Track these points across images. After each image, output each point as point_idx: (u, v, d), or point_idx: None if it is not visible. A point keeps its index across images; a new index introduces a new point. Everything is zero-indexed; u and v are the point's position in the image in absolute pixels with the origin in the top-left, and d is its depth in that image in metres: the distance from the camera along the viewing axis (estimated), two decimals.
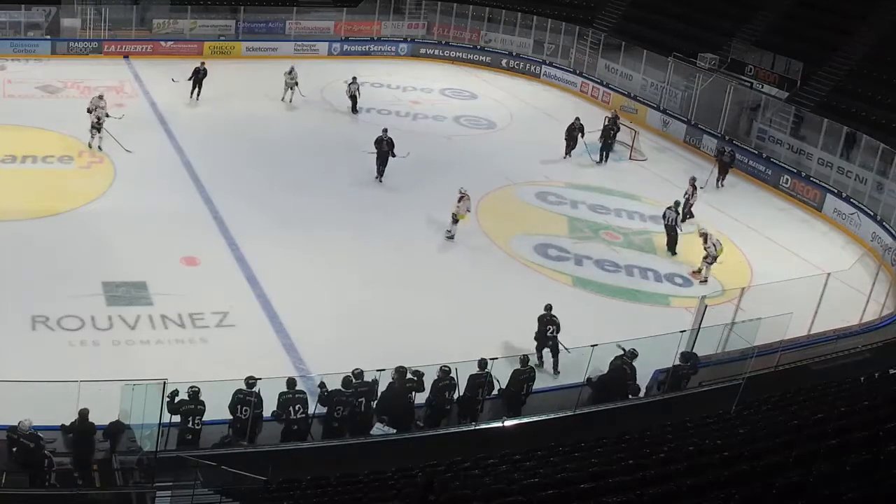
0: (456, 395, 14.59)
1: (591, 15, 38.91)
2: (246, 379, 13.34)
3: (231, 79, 33.49)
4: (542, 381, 15.09)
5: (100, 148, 25.08)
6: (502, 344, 17.25)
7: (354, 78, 31.09)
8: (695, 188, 24.76)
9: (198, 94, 30.37)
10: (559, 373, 16.75)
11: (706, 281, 21.22)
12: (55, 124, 26.89)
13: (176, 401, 12.97)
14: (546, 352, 16.99)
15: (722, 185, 27.59)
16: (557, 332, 16.97)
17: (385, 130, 25.35)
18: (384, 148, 24.74)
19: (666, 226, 22.82)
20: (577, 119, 28.99)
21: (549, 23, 38.53)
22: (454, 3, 40.50)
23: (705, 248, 21.17)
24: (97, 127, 25.06)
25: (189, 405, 13.08)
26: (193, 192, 23.65)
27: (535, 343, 16.89)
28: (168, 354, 16.42)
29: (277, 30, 38.89)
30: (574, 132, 28.73)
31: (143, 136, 27.09)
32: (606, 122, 29.89)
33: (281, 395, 13.54)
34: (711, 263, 21.14)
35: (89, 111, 25.31)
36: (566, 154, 28.75)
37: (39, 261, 19.09)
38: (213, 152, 26.47)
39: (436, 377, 14.38)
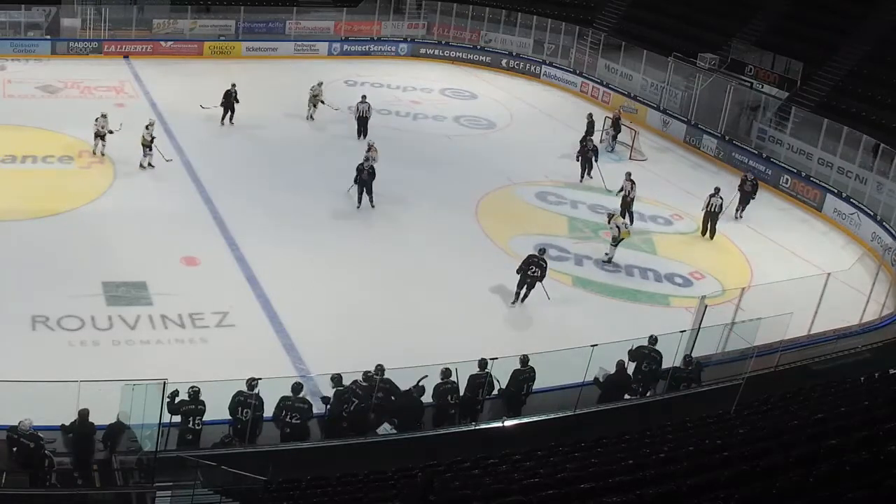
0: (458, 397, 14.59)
1: (591, 15, 38.92)
2: (247, 380, 13.33)
3: (231, 79, 33.46)
4: (542, 381, 15.06)
5: (102, 154, 24.88)
6: (502, 344, 17.22)
7: (364, 97, 29.00)
8: (632, 183, 23.98)
9: (230, 119, 28.41)
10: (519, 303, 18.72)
11: (609, 261, 22.03)
12: (55, 124, 26.90)
13: (176, 401, 12.97)
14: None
15: (741, 217, 25.13)
16: (541, 276, 18.84)
17: (368, 151, 24.20)
18: (364, 177, 23.10)
19: (708, 212, 24.03)
20: (591, 140, 27.72)
21: (549, 23, 38.54)
22: (454, 3, 40.51)
23: (609, 229, 22.25)
24: (100, 136, 24.81)
25: (189, 405, 13.07)
26: (193, 192, 23.65)
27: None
28: (168, 354, 16.42)
29: (277, 30, 38.89)
30: (588, 153, 27.20)
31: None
32: (611, 120, 30.14)
33: (282, 399, 13.46)
34: (615, 245, 22.04)
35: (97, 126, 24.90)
36: (582, 178, 26.94)
37: (39, 261, 19.09)
38: (213, 152, 26.47)
39: (438, 381, 14.33)
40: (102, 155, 24.97)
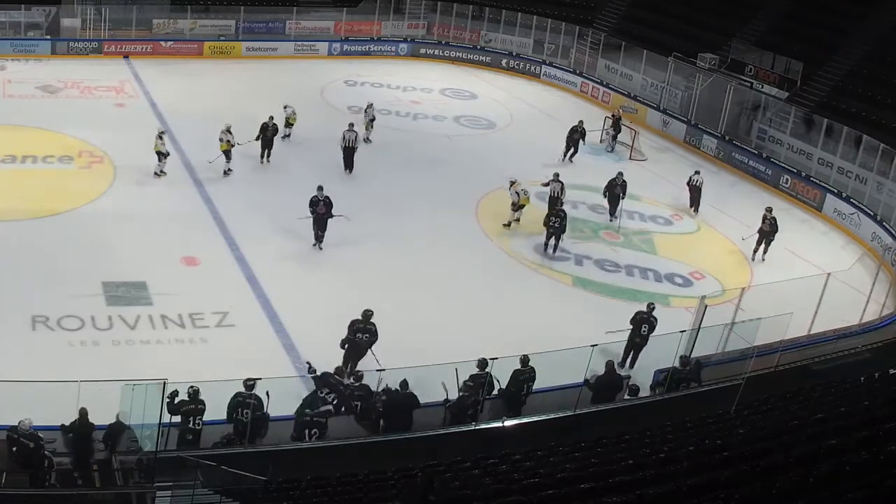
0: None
1: (591, 15, 38.92)
2: (244, 381, 13.33)
3: (231, 79, 33.54)
4: (541, 381, 15.06)
5: (164, 172, 24.12)
6: (502, 344, 17.21)
7: (352, 125, 25.77)
8: (561, 184, 23.43)
9: (268, 156, 25.70)
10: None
11: (509, 225, 23.24)
12: (55, 124, 26.90)
13: (176, 401, 12.98)
14: None
15: (763, 259, 22.81)
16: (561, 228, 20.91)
17: (320, 188, 20.94)
18: (320, 210, 20.74)
19: (691, 187, 25.53)
20: (581, 122, 28.49)
21: (549, 23, 38.54)
22: (454, 3, 40.51)
23: (510, 196, 23.35)
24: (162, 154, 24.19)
25: (189, 405, 13.08)
26: (193, 192, 23.65)
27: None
28: (168, 354, 16.42)
29: (277, 30, 38.90)
30: (575, 135, 28.17)
31: (143, 137, 27.07)
32: (611, 120, 30.24)
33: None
34: (515, 210, 23.23)
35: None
36: (564, 157, 28.15)
37: (39, 261, 19.09)
38: (213, 152, 26.41)
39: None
40: (163, 173, 24.18)
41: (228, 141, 24.36)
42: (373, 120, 28.33)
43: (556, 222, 21.74)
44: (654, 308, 17.81)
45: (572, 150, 28.26)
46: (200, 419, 13.14)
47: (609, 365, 15.37)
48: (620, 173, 24.71)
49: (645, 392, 15.73)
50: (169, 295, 18.21)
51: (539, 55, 38.93)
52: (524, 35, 39.34)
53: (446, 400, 14.48)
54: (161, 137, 24.26)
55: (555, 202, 23.19)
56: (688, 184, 25.68)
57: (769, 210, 22.99)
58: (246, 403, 13.26)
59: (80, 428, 12.53)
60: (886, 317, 19.65)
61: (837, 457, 8.77)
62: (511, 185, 23.33)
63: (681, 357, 15.70)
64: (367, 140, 27.48)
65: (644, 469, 9.78)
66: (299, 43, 38.45)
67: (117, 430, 12.78)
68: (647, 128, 32.60)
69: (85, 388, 12.28)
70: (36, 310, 17.17)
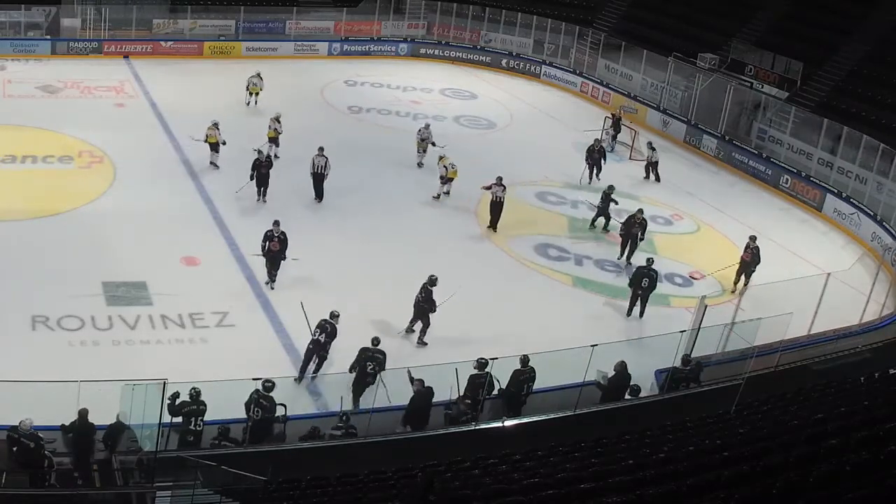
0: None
1: (591, 15, 38.92)
2: (263, 381, 13.56)
3: (231, 79, 33.50)
4: (542, 381, 15.07)
5: (216, 165, 25.00)
6: (502, 344, 17.22)
7: (321, 149, 23.51)
8: (503, 187, 22.80)
9: (264, 194, 23.12)
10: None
11: (438, 197, 24.28)
12: (55, 124, 26.91)
13: (177, 402, 12.99)
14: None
15: (743, 291, 20.63)
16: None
17: (276, 223, 19.11)
18: (273, 247, 18.95)
19: (648, 163, 27.45)
20: (597, 140, 27.19)
21: (549, 23, 38.54)
22: (454, 3, 40.52)
23: (439, 170, 24.45)
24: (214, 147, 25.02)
25: (191, 406, 13.11)
26: (193, 192, 23.65)
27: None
28: (168, 354, 16.42)
29: (277, 30, 38.90)
30: (595, 154, 26.61)
31: (143, 136, 27.13)
32: (611, 120, 30.16)
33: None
34: (444, 183, 24.29)
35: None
36: (591, 179, 26.47)
37: (39, 261, 19.09)
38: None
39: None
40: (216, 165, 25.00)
41: (214, 136, 24.78)
42: (425, 140, 26.50)
43: (372, 368, 15.44)
44: (652, 262, 19.42)
45: (595, 169, 26.63)
46: (202, 420, 13.17)
47: (621, 365, 15.34)
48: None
49: (646, 392, 15.73)
50: (169, 295, 18.21)
51: (539, 55, 38.94)
52: (524, 35, 39.34)
53: (454, 400, 14.51)
54: (216, 127, 24.95)
55: (498, 206, 22.62)
56: (646, 162, 27.75)
57: (753, 239, 21.00)
58: (259, 403, 13.47)
59: (80, 428, 12.54)
60: (886, 317, 19.65)
61: (837, 457, 8.76)
62: (440, 160, 24.56)
63: (683, 357, 15.71)
64: (419, 165, 26.42)
65: (644, 469, 9.78)
66: (299, 43, 38.45)
67: (117, 430, 12.78)
68: (647, 128, 32.58)
69: (85, 388, 12.29)
70: (36, 310, 17.17)
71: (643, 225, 21.92)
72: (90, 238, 20.41)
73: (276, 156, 25.06)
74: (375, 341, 15.64)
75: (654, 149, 27.85)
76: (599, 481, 9.57)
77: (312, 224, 22.32)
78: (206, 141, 24.91)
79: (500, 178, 22.88)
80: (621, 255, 21.97)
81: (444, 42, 40.35)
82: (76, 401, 12.30)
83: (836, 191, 26.61)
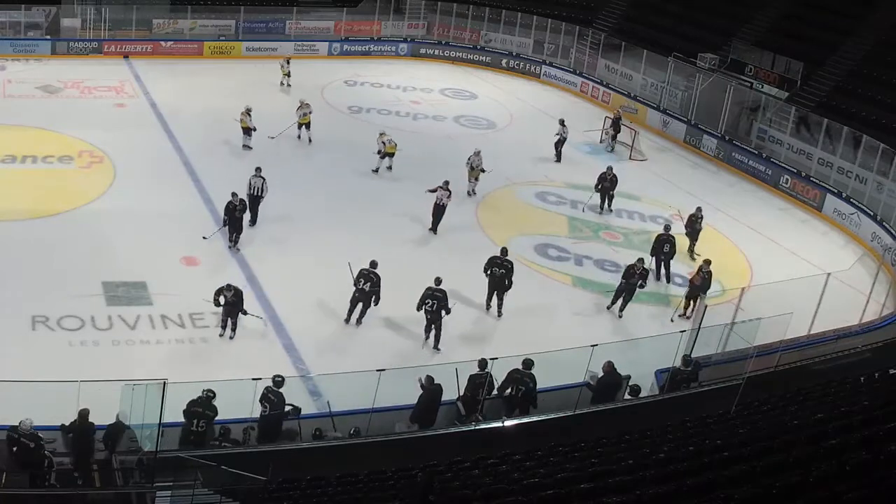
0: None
1: (591, 15, 38.91)
2: (273, 377, 13.70)
3: (231, 79, 33.53)
4: (542, 381, 15.04)
5: (250, 147, 26.45)
6: (502, 344, 17.23)
7: (258, 169, 21.91)
8: (448, 192, 22.32)
9: (237, 240, 20.69)
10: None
11: (377, 171, 25.57)
12: (55, 124, 26.91)
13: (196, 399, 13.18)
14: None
15: (688, 318, 19.34)
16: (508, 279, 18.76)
17: (228, 287, 17.15)
18: (230, 300, 17.06)
19: (559, 140, 28.42)
20: (610, 168, 24.97)
21: (549, 23, 38.54)
22: (454, 3, 40.52)
23: (377, 145, 25.60)
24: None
25: (197, 407, 13.15)
26: (193, 192, 23.65)
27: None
28: (168, 354, 16.42)
29: (277, 30, 38.91)
30: (605, 183, 24.61)
31: (143, 136, 27.14)
32: (611, 120, 30.19)
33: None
34: (381, 157, 25.58)
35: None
36: (602, 209, 24.78)
37: (39, 261, 19.09)
38: (213, 152, 26.47)
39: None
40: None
41: (245, 121, 26.28)
42: (476, 168, 24.83)
43: (431, 305, 17.44)
44: (670, 228, 21.33)
45: (607, 200, 24.77)
46: (205, 423, 13.18)
47: (608, 365, 15.35)
48: (610, 167, 25.01)
49: (645, 392, 15.73)
50: (169, 295, 18.22)
51: (539, 55, 38.94)
52: (524, 35, 39.34)
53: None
54: (248, 114, 26.18)
55: (439, 210, 22.28)
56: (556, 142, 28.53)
57: (707, 262, 19.53)
58: (268, 398, 13.60)
59: (80, 428, 12.54)
60: (886, 317, 19.65)
61: (837, 457, 8.76)
62: (379, 136, 25.83)
63: (683, 357, 15.71)
64: (471, 193, 24.75)
65: (644, 469, 9.78)
66: (299, 43, 38.45)
67: (117, 430, 12.78)
68: (647, 128, 32.60)
69: (85, 388, 12.28)
70: (36, 310, 17.17)
71: (614, 181, 24.13)
72: (90, 238, 20.42)
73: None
74: (437, 281, 17.57)
75: (564, 125, 28.54)
76: (599, 481, 9.57)
77: (311, 223, 22.31)
78: (242, 127, 26.37)
79: (446, 182, 22.36)
80: (601, 210, 24.36)
81: (444, 42, 40.35)
82: (76, 401, 12.29)
83: (836, 191, 26.61)
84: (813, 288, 17.96)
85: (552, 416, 14.54)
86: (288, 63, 33.90)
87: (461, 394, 14.67)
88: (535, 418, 14.52)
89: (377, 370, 13.83)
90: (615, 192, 24.79)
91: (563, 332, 17.77)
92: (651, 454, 10.67)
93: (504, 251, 19.26)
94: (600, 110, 33.69)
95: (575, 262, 21.99)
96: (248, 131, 26.34)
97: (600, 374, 15.28)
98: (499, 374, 14.64)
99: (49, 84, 31.19)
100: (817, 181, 27.35)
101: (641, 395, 15.44)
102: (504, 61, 39.17)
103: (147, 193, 23.10)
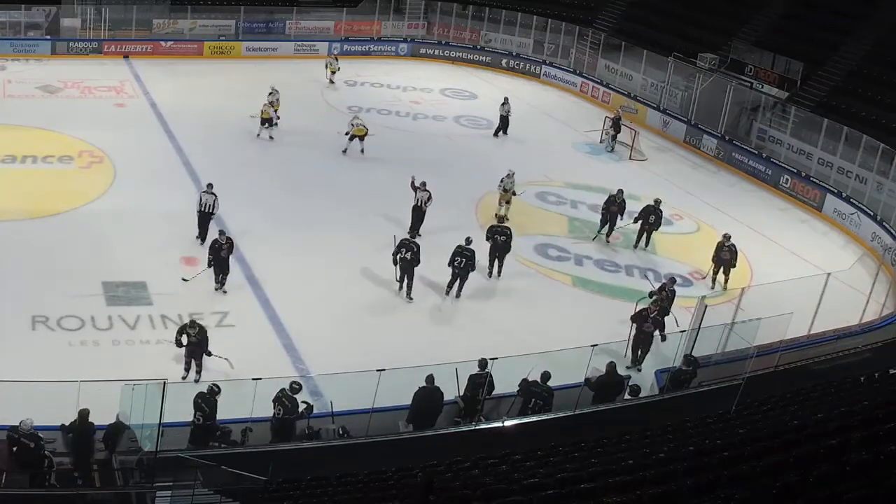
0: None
1: (591, 15, 38.91)
2: (291, 382, 13.93)
3: (231, 79, 33.52)
4: None
5: (271, 137, 27.83)
6: (502, 344, 17.22)
7: (210, 185, 20.97)
8: (429, 193, 21.89)
9: (223, 281, 18.91)
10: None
11: (345, 151, 26.88)
12: (55, 124, 26.91)
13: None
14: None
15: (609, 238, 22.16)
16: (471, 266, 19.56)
17: (192, 324, 15.87)
18: (193, 340, 15.87)
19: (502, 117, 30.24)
20: (620, 192, 22.97)
21: (549, 23, 38.56)
22: (454, 3, 40.52)
23: (347, 127, 27.11)
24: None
25: (198, 399, 13.33)
26: (193, 192, 23.54)
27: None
28: (168, 354, 16.40)
29: (277, 30, 38.92)
30: (612, 207, 22.76)
31: (143, 136, 27.14)
32: (610, 120, 30.09)
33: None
34: (350, 140, 26.80)
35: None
36: (599, 233, 23.13)
37: (39, 261, 19.09)
38: (213, 152, 26.47)
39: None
40: (271, 138, 27.90)
41: (267, 112, 27.53)
42: (508, 191, 23.56)
43: (460, 262, 19.19)
44: (660, 202, 22.45)
45: (609, 225, 23.00)
46: (201, 416, 13.22)
47: (610, 366, 15.36)
48: (620, 190, 22.93)
49: (645, 392, 15.73)
50: (169, 295, 18.21)
51: (539, 55, 38.94)
52: (524, 35, 39.35)
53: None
54: (271, 104, 27.75)
55: (420, 212, 21.85)
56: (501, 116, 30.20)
57: (727, 237, 20.19)
58: (282, 401, 13.72)
59: (80, 428, 12.54)
60: (886, 317, 19.65)
61: (837, 457, 8.76)
62: (351, 119, 27.46)
63: (685, 356, 15.71)
64: (504, 219, 22.89)
65: (644, 469, 9.77)
66: (299, 43, 38.47)
67: (117, 430, 12.78)
68: (647, 128, 32.60)
69: (85, 388, 12.29)
70: (36, 310, 17.17)
71: (622, 206, 22.97)
72: (90, 238, 20.42)
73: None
74: (468, 241, 19.34)
75: (506, 102, 30.39)
76: (599, 481, 9.57)
77: (311, 223, 22.31)
78: (262, 117, 27.55)
79: (423, 183, 21.91)
80: (607, 238, 23.07)
81: (444, 42, 40.36)
82: (76, 401, 12.30)
83: (836, 191, 26.61)
84: (813, 288, 17.96)
85: (552, 416, 14.55)
86: (336, 60, 35.08)
87: (461, 394, 14.67)
88: (535, 418, 14.52)
89: (377, 370, 13.85)
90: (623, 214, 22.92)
91: (562, 332, 17.76)
92: (651, 454, 10.67)
93: (502, 219, 21.78)
94: (600, 110, 33.69)
95: (575, 262, 21.99)
96: (269, 122, 27.51)
97: (600, 373, 15.28)
98: (499, 374, 14.63)
99: (49, 84, 31.19)
100: (817, 181, 27.35)
101: (641, 394, 15.45)
102: (504, 61, 39.17)
103: (147, 193, 23.10)
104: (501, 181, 23.74)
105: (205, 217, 20.59)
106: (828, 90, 30.20)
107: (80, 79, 31.84)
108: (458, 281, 19.50)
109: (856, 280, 20.80)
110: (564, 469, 10.58)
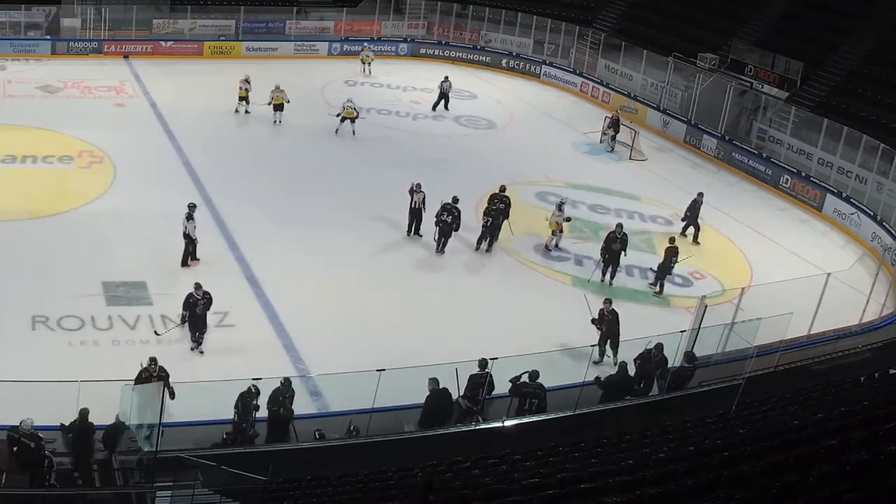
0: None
1: (591, 15, 38.91)
2: (282, 379, 13.94)
3: (231, 79, 33.47)
4: (542, 381, 15.04)
5: (247, 111, 29.56)
6: (502, 344, 17.21)
7: (192, 206, 19.84)
8: (423, 195, 22.04)
9: (200, 338, 16.88)
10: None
11: (337, 132, 28.38)
12: (55, 124, 26.90)
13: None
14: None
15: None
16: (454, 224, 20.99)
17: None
18: (199, 310, 16.44)
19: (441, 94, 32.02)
20: (619, 226, 20.99)
21: (549, 23, 38.54)
22: (454, 3, 40.51)
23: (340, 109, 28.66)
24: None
25: (246, 397, 13.53)
26: (193, 192, 23.59)
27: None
28: (168, 355, 16.36)
29: (277, 30, 38.91)
30: (615, 245, 20.62)
31: (143, 136, 27.14)
32: (610, 120, 30.06)
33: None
34: (341, 121, 28.32)
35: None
36: (603, 279, 20.88)
37: (39, 261, 19.08)
38: (213, 152, 26.47)
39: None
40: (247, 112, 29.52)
41: (279, 98, 28.71)
42: (563, 216, 22.22)
43: (446, 218, 21.32)
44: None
45: (611, 268, 20.94)
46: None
47: (622, 366, 15.35)
48: (620, 224, 21.15)
49: (651, 392, 15.73)
50: (169, 295, 18.18)
51: (539, 55, 38.93)
52: (524, 35, 39.34)
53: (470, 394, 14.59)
54: (279, 88, 28.80)
55: (417, 213, 21.97)
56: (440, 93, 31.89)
57: (608, 302, 17.85)
58: (278, 401, 13.76)
59: (80, 428, 12.54)
60: (886, 317, 19.66)
61: (837, 457, 8.76)
62: (345, 102, 28.67)
63: (686, 353, 15.71)
64: (556, 247, 22.30)
65: (644, 469, 9.78)
66: (299, 43, 38.46)
67: (117, 430, 12.78)
68: (647, 128, 32.58)
69: (85, 388, 12.29)
70: (36, 310, 17.17)
71: (624, 245, 20.55)
72: (90, 238, 20.42)
73: (246, 111, 29.48)
74: (455, 199, 21.09)
75: (447, 81, 32.41)
76: (599, 481, 9.57)
77: (312, 223, 22.31)
78: (274, 104, 28.73)
79: (419, 185, 22.00)
80: (602, 279, 20.76)
81: (444, 42, 40.35)
82: (76, 401, 12.30)
83: (836, 191, 26.60)
84: (813, 288, 17.97)
85: (552, 416, 14.55)
86: (372, 53, 36.76)
87: (461, 394, 14.67)
88: (535, 418, 14.53)
89: (377, 370, 13.86)
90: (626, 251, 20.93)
91: (562, 332, 17.76)
92: (651, 454, 10.68)
93: (503, 188, 22.29)
94: (600, 110, 33.67)
95: (575, 262, 21.98)
96: (280, 107, 28.80)
97: (612, 371, 15.28)
98: (499, 374, 14.63)
99: (49, 84, 31.18)
100: (817, 181, 27.34)
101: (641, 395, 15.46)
102: (504, 61, 39.16)
103: (147, 193, 23.09)
104: (554, 214, 22.24)
105: (190, 241, 19.60)
106: (828, 90, 30.19)
107: (80, 79, 31.83)
108: (443, 238, 21.01)
109: (856, 280, 20.80)
110: (564, 469, 10.59)
